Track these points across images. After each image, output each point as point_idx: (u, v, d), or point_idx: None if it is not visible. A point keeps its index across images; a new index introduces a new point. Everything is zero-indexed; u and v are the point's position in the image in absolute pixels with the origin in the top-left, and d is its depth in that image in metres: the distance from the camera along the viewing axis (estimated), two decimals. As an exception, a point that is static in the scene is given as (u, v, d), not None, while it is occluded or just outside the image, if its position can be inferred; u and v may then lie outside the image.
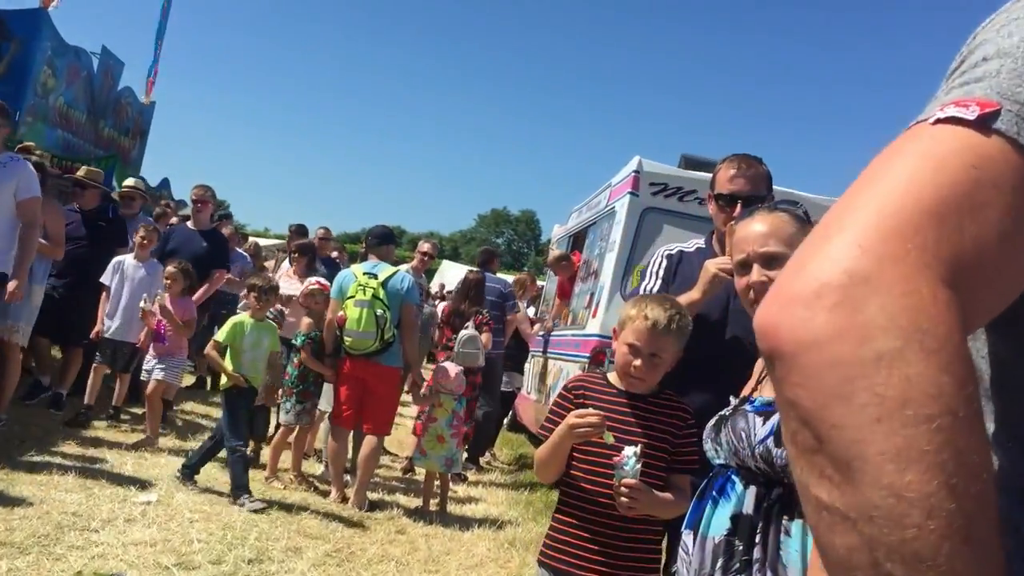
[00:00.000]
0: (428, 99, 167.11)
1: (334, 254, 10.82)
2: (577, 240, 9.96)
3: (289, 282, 7.86)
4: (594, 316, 7.49)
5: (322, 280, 6.98)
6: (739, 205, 3.05)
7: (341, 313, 6.23)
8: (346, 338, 6.22)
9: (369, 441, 6.33)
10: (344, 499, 6.22)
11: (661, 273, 3.37)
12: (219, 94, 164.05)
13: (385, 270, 6.48)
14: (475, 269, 9.29)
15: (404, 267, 7.57)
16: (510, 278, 10.87)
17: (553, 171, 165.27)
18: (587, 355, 7.31)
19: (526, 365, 9.84)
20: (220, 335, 5.99)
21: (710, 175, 7.90)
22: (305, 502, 5.98)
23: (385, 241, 6.94)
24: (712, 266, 2.90)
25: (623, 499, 2.52)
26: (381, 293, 6.26)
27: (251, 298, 6.08)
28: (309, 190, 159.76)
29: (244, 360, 5.93)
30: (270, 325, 6.29)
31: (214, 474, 6.17)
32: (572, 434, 2.61)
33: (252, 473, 6.53)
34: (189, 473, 5.77)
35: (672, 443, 2.68)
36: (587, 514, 2.67)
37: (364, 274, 6.38)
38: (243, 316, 6.16)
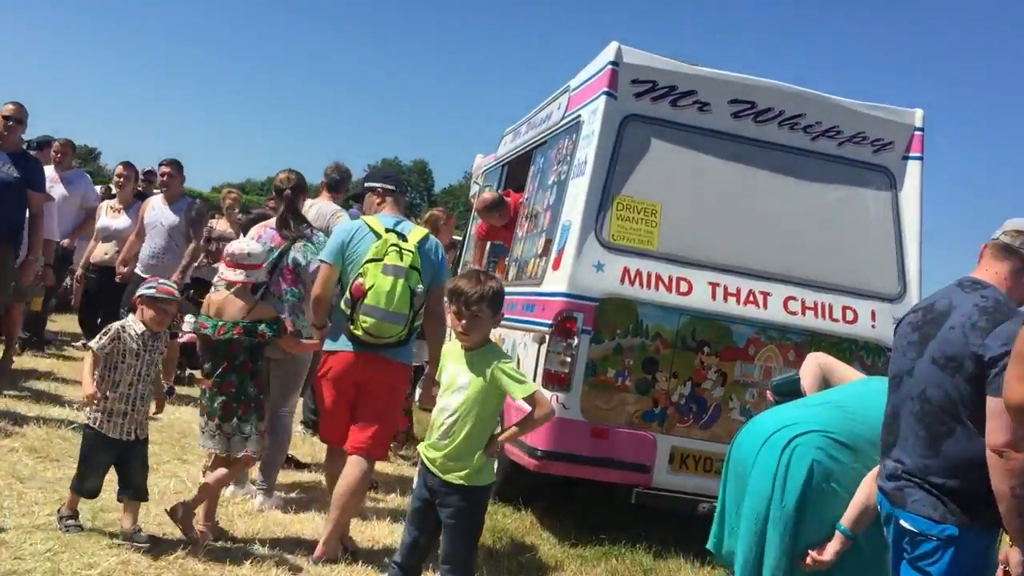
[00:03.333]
0: (309, 38, 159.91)
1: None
2: (513, 171, 7.76)
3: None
4: (556, 268, 5.34)
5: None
6: None
7: (360, 281, 4.24)
8: (364, 319, 4.23)
9: (357, 465, 4.39)
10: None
11: None
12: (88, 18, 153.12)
13: (414, 230, 4.55)
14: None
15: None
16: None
17: (445, 120, 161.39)
18: (548, 321, 5.19)
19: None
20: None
21: (712, 69, 5.92)
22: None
23: (399, 188, 4.86)
24: None
25: None
26: (418, 261, 4.35)
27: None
28: (184, 136, 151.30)
29: None
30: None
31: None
32: None
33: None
34: None
35: None
36: None
37: (388, 231, 4.40)
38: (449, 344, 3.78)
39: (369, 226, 4.44)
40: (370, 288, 4.21)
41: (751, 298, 5.29)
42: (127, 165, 8.72)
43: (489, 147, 10.19)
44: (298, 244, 5.16)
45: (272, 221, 5.31)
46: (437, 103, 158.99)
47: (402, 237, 4.39)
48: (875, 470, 3.08)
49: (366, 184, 4.86)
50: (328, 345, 4.48)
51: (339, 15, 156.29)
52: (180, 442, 6.22)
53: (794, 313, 5.31)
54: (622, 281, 5.16)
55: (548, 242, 5.66)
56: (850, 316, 5.35)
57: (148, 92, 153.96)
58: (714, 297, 5.25)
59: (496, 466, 3.62)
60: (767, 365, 5.28)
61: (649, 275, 5.20)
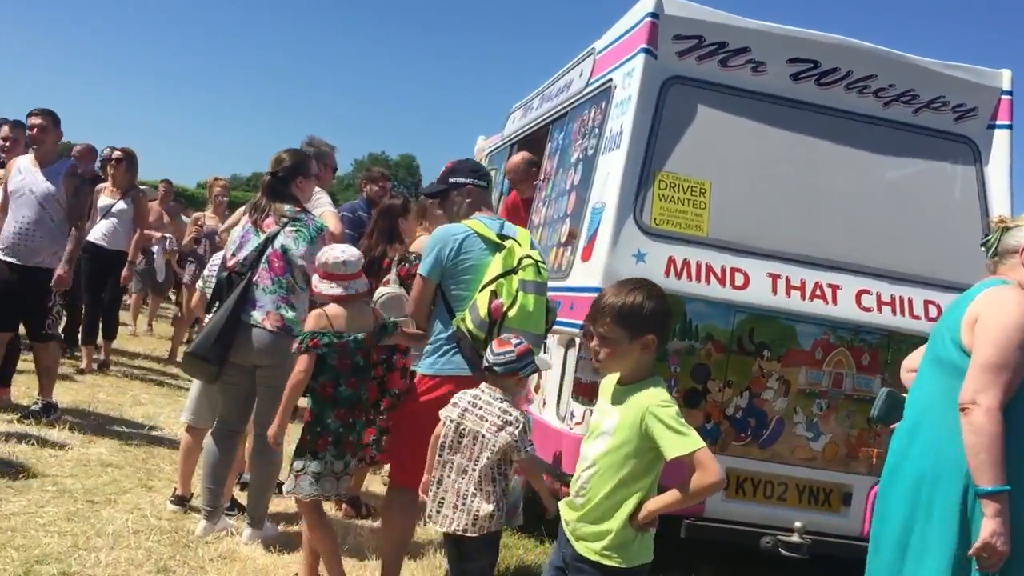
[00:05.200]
0: (295, 32, 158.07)
1: None
2: (523, 150, 6.92)
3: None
4: (586, 258, 4.52)
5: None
6: None
7: (499, 301, 3.54)
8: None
9: None
10: None
11: None
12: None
13: (522, 234, 3.85)
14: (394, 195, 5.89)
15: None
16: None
17: (433, 114, 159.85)
18: (578, 322, 4.35)
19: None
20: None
21: (767, 23, 4.90)
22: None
23: (490, 183, 4.14)
24: None
25: None
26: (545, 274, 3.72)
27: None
28: (170, 131, 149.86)
29: None
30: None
31: None
32: None
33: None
34: None
35: None
36: None
37: (504, 237, 3.72)
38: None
39: (477, 232, 3.71)
40: (511, 308, 3.52)
41: (818, 292, 4.47)
42: (14, 125, 6.67)
43: (475, 138, 9.32)
44: (288, 229, 4.38)
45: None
46: (425, 97, 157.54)
47: (516, 243, 3.69)
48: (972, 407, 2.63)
49: (451, 180, 3.96)
50: (429, 368, 3.67)
51: (325, 8, 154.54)
52: (145, 465, 5.37)
53: (868, 309, 4.49)
54: (667, 273, 4.33)
55: (574, 229, 4.84)
56: (933, 312, 4.53)
57: (132, 87, 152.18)
58: (775, 291, 4.43)
59: (650, 544, 2.71)
60: (837, 371, 4.47)
61: (699, 265, 4.38)
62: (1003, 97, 4.85)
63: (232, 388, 4.43)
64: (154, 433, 6.16)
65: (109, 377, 8.00)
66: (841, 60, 4.68)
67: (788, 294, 4.45)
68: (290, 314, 4.36)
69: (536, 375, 4.89)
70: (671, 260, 4.36)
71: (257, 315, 4.30)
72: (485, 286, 3.56)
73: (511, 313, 3.51)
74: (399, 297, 4.74)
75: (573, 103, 5.51)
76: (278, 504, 4.94)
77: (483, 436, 3.19)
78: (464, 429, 3.23)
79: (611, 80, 4.83)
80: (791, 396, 4.44)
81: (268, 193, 4.49)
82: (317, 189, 5.28)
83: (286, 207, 4.45)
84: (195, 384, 4.75)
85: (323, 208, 5.12)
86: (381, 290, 4.80)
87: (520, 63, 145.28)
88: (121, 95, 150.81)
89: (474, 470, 3.18)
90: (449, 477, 3.23)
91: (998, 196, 4.74)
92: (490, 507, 3.19)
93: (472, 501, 3.19)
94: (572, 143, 5.34)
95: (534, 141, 6.49)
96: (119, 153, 8.15)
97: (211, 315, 4.48)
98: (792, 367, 4.44)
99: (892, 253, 4.62)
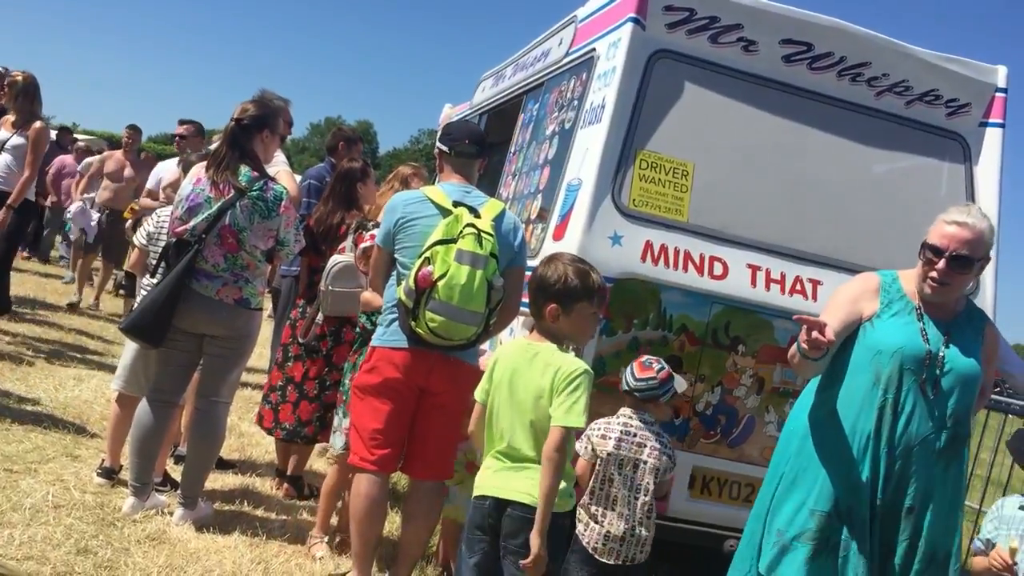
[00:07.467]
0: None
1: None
2: (492, 122, 6.63)
3: None
4: (559, 237, 4.26)
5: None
6: None
7: (427, 269, 3.36)
8: (431, 316, 3.38)
9: (430, 493, 3.68)
10: None
11: None
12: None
13: (488, 204, 3.65)
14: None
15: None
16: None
17: (391, 79, 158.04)
18: (546, 306, 4.09)
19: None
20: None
21: (763, 0, 4.57)
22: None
23: (459, 149, 3.80)
24: None
25: None
26: (497, 247, 3.48)
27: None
28: (118, 86, 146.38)
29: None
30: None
31: None
32: None
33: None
34: None
35: None
36: None
37: (457, 204, 3.52)
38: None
39: (429, 198, 3.59)
40: (440, 278, 3.33)
41: (798, 286, 4.27)
42: None
43: (436, 109, 8.98)
44: (244, 202, 4.03)
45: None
46: (387, 60, 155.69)
47: (475, 213, 3.48)
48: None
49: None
50: (376, 339, 3.66)
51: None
52: (72, 432, 5.01)
53: (848, 307, 4.30)
54: (643, 258, 4.10)
55: (544, 206, 4.57)
56: (914, 314, 4.36)
57: (80, 43, 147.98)
58: (754, 283, 4.22)
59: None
60: (812, 370, 4.27)
61: (677, 252, 4.15)
62: (997, 94, 4.67)
63: (174, 355, 4.11)
64: (84, 397, 5.79)
65: (38, 334, 7.56)
66: (835, 44, 4.46)
67: (767, 287, 4.24)
68: (248, 287, 4.08)
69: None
70: (648, 244, 4.12)
71: (211, 287, 4.00)
72: (422, 253, 3.39)
73: (439, 284, 3.32)
74: (352, 266, 4.47)
75: (551, 73, 5.22)
76: (215, 480, 4.65)
77: (644, 462, 3.35)
78: (623, 459, 3.36)
79: (594, 50, 4.55)
80: (764, 394, 4.24)
81: (230, 142, 4.15)
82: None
83: (243, 171, 4.10)
84: (128, 347, 4.42)
85: (279, 167, 4.80)
86: (335, 258, 4.53)
87: (492, 29, 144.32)
88: (59, 41, 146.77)
89: (640, 497, 3.34)
90: (614, 510, 3.34)
91: (986, 197, 4.56)
92: (650, 533, 3.39)
93: (639, 530, 3.34)
94: (548, 115, 5.05)
95: (505, 111, 6.20)
96: (17, 75, 6.86)
97: (153, 280, 4.15)
98: (767, 364, 4.23)
99: (876, 250, 4.42)
